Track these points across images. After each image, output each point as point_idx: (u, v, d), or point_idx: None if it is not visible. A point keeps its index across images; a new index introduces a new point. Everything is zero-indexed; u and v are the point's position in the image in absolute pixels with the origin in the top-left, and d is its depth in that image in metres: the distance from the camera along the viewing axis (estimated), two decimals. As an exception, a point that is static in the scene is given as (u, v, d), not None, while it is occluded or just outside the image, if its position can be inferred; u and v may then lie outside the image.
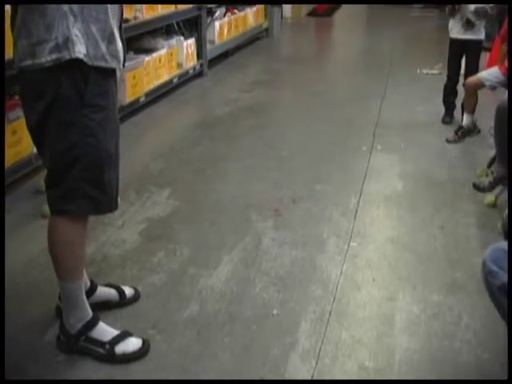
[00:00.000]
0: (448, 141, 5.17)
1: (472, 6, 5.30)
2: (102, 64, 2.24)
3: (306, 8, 13.48)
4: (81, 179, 2.30)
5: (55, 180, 2.33)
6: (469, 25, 5.41)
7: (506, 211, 2.97)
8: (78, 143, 2.26)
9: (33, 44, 2.17)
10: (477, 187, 4.01)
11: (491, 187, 3.95)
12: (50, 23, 2.14)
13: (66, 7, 2.12)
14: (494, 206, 3.94)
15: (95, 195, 2.35)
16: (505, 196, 3.83)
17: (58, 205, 2.36)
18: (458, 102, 5.72)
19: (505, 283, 1.93)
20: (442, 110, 5.80)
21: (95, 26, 2.20)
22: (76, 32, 2.15)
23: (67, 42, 2.14)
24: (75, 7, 2.14)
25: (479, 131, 5.29)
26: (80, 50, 2.16)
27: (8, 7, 2.32)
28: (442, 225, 3.74)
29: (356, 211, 3.91)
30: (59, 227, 2.41)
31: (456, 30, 5.53)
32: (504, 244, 2.05)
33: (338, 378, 2.47)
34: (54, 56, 2.15)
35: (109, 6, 2.25)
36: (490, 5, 5.34)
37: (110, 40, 2.27)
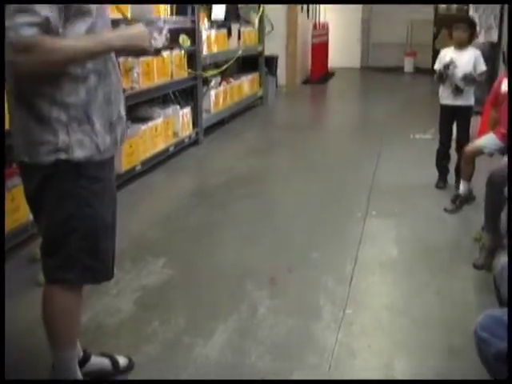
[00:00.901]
0: (446, 210, 5.16)
1: (460, 73, 5.41)
2: (102, 158, 2.29)
3: (300, 77, 13.73)
4: (78, 249, 2.32)
5: (52, 249, 2.34)
6: (458, 91, 5.51)
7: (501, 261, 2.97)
8: (75, 214, 2.28)
9: (28, 142, 2.20)
10: (476, 266, 4.00)
11: (489, 262, 3.93)
12: (46, 128, 2.18)
13: (64, 117, 2.17)
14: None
15: (92, 264, 2.36)
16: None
17: (55, 274, 2.37)
18: (451, 167, 5.78)
19: (500, 350, 1.92)
20: (436, 174, 5.85)
21: (100, 122, 2.26)
22: (78, 137, 2.20)
23: (67, 148, 2.19)
24: (79, 113, 2.19)
25: (474, 198, 5.29)
26: (79, 155, 2.21)
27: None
28: (438, 290, 3.73)
29: (351, 278, 3.90)
30: (55, 296, 2.41)
31: (446, 96, 5.63)
32: (496, 311, 2.05)
33: None
34: (51, 158, 2.19)
35: (112, 90, 2.30)
36: (478, 72, 5.46)
37: (113, 129, 2.32)
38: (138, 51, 2.44)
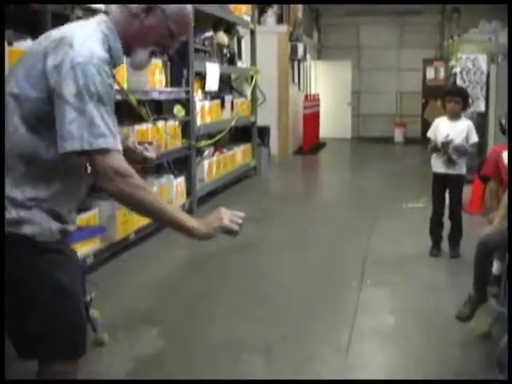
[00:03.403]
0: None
1: (452, 144, 5.49)
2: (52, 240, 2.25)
3: (292, 147, 13.87)
4: (48, 323, 2.24)
5: (23, 332, 2.26)
6: (450, 163, 5.58)
7: (503, 341, 2.95)
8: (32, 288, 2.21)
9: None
10: (459, 318, 3.98)
11: (471, 313, 3.94)
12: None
13: (20, 196, 2.16)
14: (487, 336, 3.90)
15: (65, 339, 2.29)
16: (498, 326, 3.81)
17: (32, 354, 2.30)
18: (445, 234, 5.80)
19: None
20: (429, 242, 5.86)
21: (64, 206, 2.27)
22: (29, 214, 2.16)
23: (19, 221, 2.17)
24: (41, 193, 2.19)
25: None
26: (27, 231, 2.17)
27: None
28: (435, 359, 3.68)
29: (348, 347, 3.85)
30: (49, 374, 2.34)
31: (438, 165, 5.70)
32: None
33: None
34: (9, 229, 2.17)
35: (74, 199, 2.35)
36: (471, 142, 5.55)
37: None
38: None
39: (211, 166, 8.60)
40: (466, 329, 4.06)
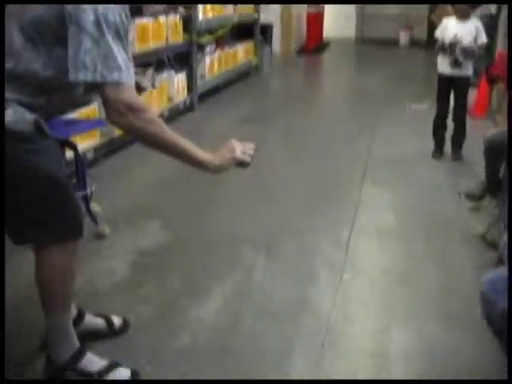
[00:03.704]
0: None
1: (460, 45, 5.36)
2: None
3: (295, 46, 13.59)
4: (36, 208, 2.23)
5: (13, 217, 2.25)
6: (456, 64, 5.47)
7: (504, 239, 2.96)
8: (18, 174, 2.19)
9: None
10: (468, 195, 4.01)
11: (480, 196, 4.13)
12: None
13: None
14: (485, 237, 3.91)
15: (55, 222, 2.28)
16: (496, 228, 3.83)
17: (22, 236, 2.30)
18: (448, 136, 5.76)
19: (505, 309, 1.90)
20: (432, 144, 5.81)
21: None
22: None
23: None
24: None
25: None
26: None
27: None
28: (434, 257, 3.71)
29: (348, 244, 3.87)
30: (46, 261, 2.34)
31: (444, 66, 5.59)
32: (501, 270, 2.02)
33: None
34: None
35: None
36: (479, 43, 5.41)
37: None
38: None
39: (212, 63, 8.42)
40: (466, 228, 4.09)
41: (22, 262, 2.84)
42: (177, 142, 2.25)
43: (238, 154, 2.40)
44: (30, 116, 2.16)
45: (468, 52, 5.41)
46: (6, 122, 2.10)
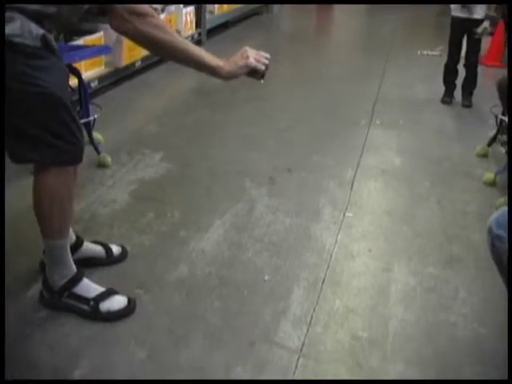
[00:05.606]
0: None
1: None
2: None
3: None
4: (36, 127, 2.17)
5: (14, 135, 2.19)
6: (464, 7, 5.33)
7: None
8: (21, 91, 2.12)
9: None
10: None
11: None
12: None
13: None
14: (492, 184, 3.86)
15: (55, 143, 2.21)
16: (504, 176, 3.77)
17: (20, 155, 2.24)
18: (459, 82, 5.64)
19: None
20: (442, 90, 5.70)
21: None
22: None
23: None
24: None
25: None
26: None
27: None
28: (438, 200, 3.66)
29: (352, 183, 3.82)
30: (44, 184, 2.29)
31: (458, 9, 5.42)
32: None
33: (330, 347, 2.39)
34: None
35: None
36: None
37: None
38: None
39: (222, -2, 8.24)
40: (471, 174, 4.03)
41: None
42: (187, 47, 2.19)
43: (252, 60, 2.28)
44: (38, 30, 2.09)
45: None
46: (12, 35, 2.03)
